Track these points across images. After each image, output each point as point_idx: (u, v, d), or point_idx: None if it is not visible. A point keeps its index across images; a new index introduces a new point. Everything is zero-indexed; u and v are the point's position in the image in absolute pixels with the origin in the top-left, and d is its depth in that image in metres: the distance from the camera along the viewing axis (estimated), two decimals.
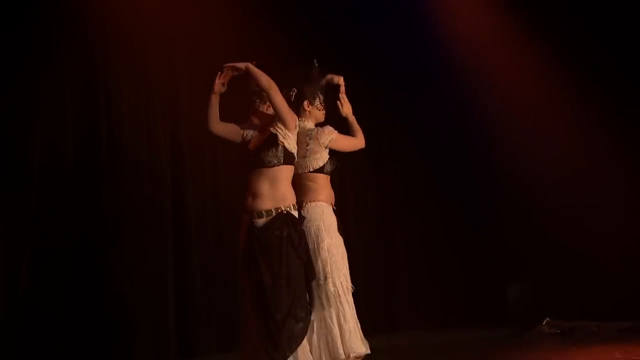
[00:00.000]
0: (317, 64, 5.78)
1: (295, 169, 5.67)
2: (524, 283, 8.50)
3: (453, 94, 8.56)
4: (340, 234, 5.67)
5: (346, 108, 5.89)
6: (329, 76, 5.91)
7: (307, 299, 5.37)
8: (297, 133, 5.68)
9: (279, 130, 5.33)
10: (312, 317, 5.51)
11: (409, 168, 8.89)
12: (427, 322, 8.41)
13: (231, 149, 5.67)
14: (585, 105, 8.03)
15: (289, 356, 5.23)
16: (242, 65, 5.38)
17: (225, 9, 7.05)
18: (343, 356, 5.46)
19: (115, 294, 6.49)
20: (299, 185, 5.70)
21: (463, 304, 8.68)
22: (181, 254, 6.94)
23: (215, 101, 5.46)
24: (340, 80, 5.90)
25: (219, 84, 5.44)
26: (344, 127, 5.87)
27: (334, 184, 5.97)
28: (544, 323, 7.43)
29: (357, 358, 5.55)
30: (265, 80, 5.32)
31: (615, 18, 8.09)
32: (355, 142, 5.91)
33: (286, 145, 5.34)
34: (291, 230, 5.30)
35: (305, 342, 5.31)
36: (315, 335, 5.48)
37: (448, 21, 8.45)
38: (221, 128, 5.53)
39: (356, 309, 5.70)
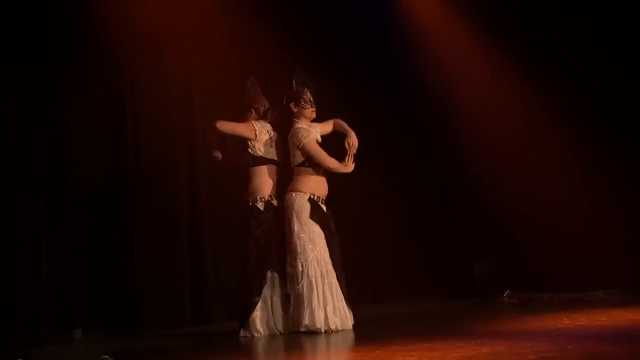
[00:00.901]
0: (301, 69, 6.18)
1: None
2: (488, 260, 8.74)
3: (430, 94, 8.80)
4: (316, 221, 5.99)
5: (347, 168, 6.09)
6: (349, 132, 6.10)
7: (265, 279, 5.91)
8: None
9: (247, 141, 6.08)
10: (290, 292, 5.94)
11: (391, 160, 9.11)
12: (406, 293, 8.76)
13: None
14: (548, 102, 8.16)
15: (245, 321, 5.88)
16: (209, 130, 6.16)
17: (237, 22, 7.26)
18: (297, 329, 5.87)
19: (139, 270, 6.84)
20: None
21: (437, 278, 8.95)
22: (195, 235, 7.26)
23: (219, 157, 6.20)
24: (351, 145, 6.06)
25: (213, 152, 6.18)
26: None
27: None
28: (505, 295, 7.70)
29: (315, 331, 5.85)
30: (211, 128, 6.13)
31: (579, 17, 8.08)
32: (324, 160, 6.05)
33: (250, 151, 6.08)
34: (250, 219, 5.97)
35: (257, 312, 5.86)
36: (292, 308, 5.95)
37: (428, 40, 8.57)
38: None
39: (347, 284, 6.08)
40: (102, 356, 4.87)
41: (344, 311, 6.03)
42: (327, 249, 6.02)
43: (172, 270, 7.14)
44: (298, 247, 5.97)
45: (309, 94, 6.16)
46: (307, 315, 5.88)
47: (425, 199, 9.22)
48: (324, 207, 6.13)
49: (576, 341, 4.67)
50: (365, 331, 6.02)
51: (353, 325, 6.08)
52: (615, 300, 7.05)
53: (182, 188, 7.25)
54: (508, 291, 7.76)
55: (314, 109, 6.19)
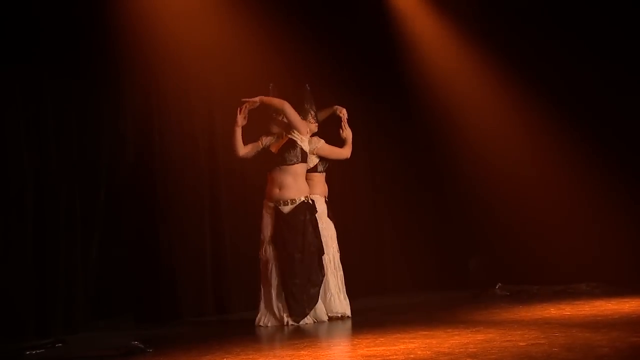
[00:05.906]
0: (308, 88, 6.17)
1: None
2: (481, 255, 8.76)
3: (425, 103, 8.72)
4: (331, 219, 6.08)
5: (345, 134, 6.19)
6: (335, 107, 6.27)
7: (320, 269, 5.76)
8: None
9: (295, 136, 5.85)
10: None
11: (394, 164, 9.02)
12: (407, 285, 8.75)
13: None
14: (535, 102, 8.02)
15: (307, 313, 5.64)
16: (256, 98, 5.77)
17: (254, 43, 7.24)
18: (326, 315, 5.85)
19: (166, 263, 6.84)
20: None
21: (435, 271, 8.91)
22: (216, 233, 7.23)
23: (238, 132, 5.82)
24: (342, 113, 6.23)
25: (241, 118, 5.80)
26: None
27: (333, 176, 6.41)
28: (496, 287, 7.64)
29: (338, 317, 5.90)
30: (277, 102, 5.74)
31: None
32: (339, 152, 6.18)
33: (303, 147, 5.84)
34: (312, 215, 5.78)
35: (320, 301, 5.71)
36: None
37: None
38: (246, 151, 5.91)
39: (353, 276, 6.17)
40: (132, 342, 4.85)
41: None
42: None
43: (196, 265, 7.13)
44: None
45: (313, 111, 6.23)
46: (332, 302, 5.95)
47: (425, 203, 9.16)
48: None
49: (562, 329, 4.67)
50: (369, 320, 6.03)
51: (357, 314, 6.12)
52: (597, 291, 7.02)
53: (203, 188, 7.24)
54: (500, 284, 7.75)
55: (317, 124, 6.28)
